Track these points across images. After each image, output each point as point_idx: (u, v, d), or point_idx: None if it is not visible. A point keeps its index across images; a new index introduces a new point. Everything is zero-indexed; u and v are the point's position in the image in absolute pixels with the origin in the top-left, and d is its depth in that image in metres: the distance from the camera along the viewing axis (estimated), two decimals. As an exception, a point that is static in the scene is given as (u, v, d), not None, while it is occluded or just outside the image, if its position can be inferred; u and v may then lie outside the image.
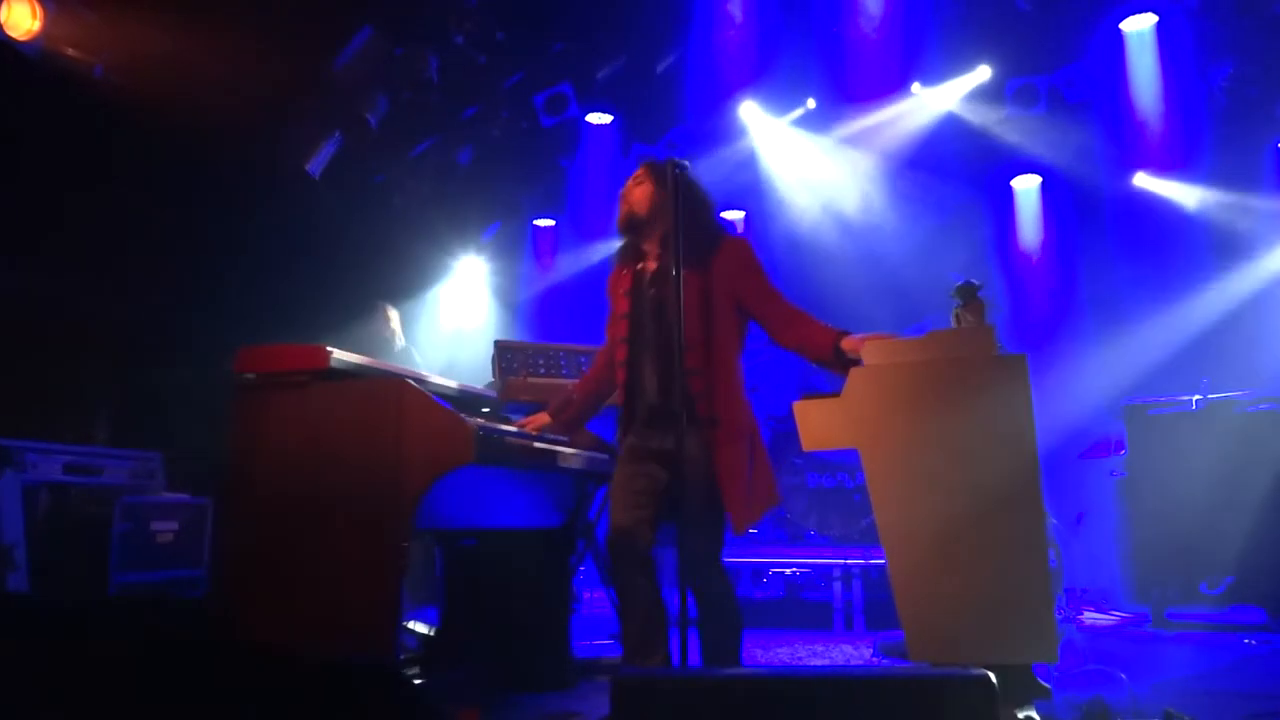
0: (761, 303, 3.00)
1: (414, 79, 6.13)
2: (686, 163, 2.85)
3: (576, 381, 3.83)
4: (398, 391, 2.73)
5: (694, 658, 2.72)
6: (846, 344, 2.85)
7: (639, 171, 3.14)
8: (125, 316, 5.38)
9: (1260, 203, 6.89)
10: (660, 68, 7.11)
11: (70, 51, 4.85)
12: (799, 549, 5.76)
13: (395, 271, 7.35)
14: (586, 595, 6.01)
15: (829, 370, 2.96)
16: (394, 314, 6.14)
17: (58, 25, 4.75)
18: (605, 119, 7.55)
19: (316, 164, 6.17)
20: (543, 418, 3.34)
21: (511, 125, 7.19)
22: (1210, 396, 5.06)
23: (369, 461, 2.71)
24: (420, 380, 2.91)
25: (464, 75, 6.49)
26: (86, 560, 4.49)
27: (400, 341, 6.13)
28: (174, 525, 4.89)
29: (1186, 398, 5.13)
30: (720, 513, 2.88)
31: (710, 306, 2.94)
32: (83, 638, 3.03)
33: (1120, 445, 5.40)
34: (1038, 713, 2.47)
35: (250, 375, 2.86)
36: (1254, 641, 4.41)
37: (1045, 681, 2.72)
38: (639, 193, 3.09)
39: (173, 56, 4.98)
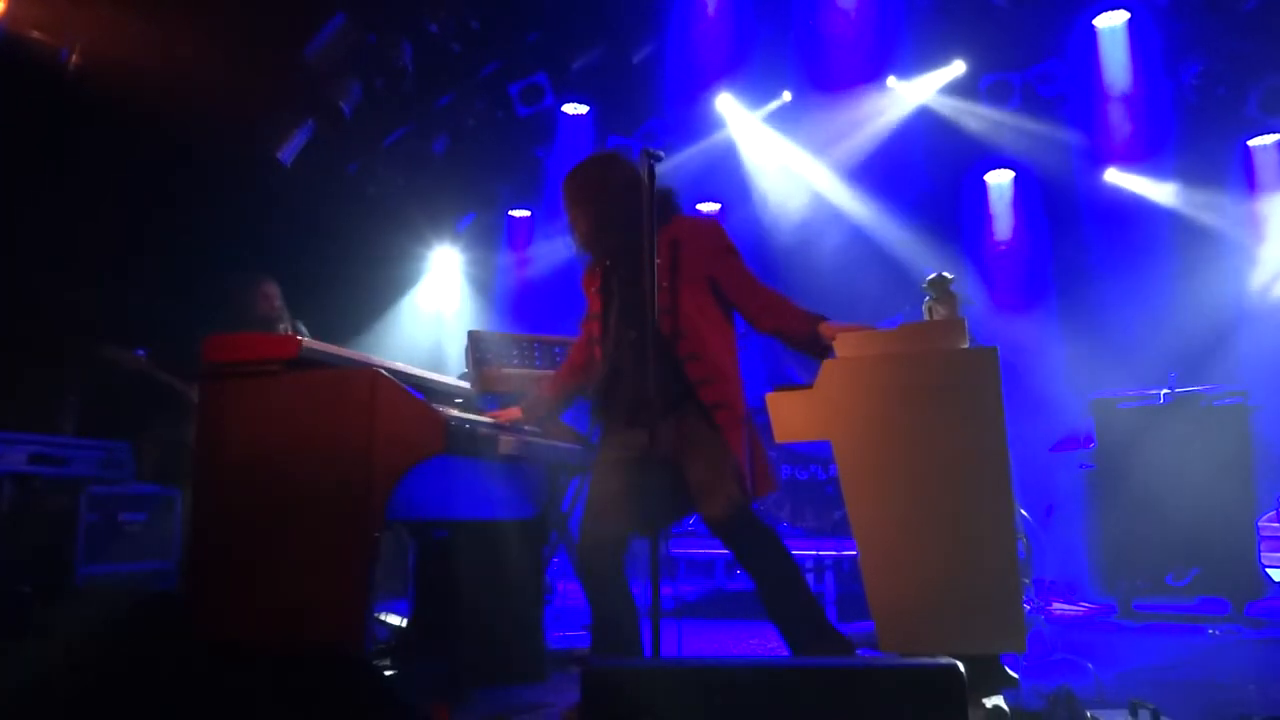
0: (737, 287, 3.00)
1: (388, 67, 6.07)
2: (661, 154, 2.84)
3: (550, 375, 3.82)
4: (370, 381, 2.71)
5: (666, 650, 2.72)
6: (824, 329, 2.87)
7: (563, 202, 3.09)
8: (93, 305, 5.30)
9: (1228, 199, 6.98)
10: (637, 58, 7.08)
11: (36, 34, 4.76)
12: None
13: (369, 261, 7.29)
14: (560, 587, 6.01)
15: (807, 355, 2.98)
16: (274, 290, 5.13)
17: (23, 6, 4.66)
18: (581, 110, 7.52)
19: (288, 152, 6.10)
20: (514, 412, 3.33)
21: (487, 115, 7.15)
22: (1178, 390, 5.12)
23: (340, 451, 2.69)
24: (392, 370, 2.89)
25: (438, 63, 6.45)
26: (52, 552, 4.43)
27: (284, 323, 5.14)
28: (142, 516, 4.83)
29: (1154, 392, 5.19)
30: (735, 468, 2.85)
31: (690, 293, 2.93)
32: (49, 629, 2.99)
33: (1090, 438, 5.46)
34: (1005, 702, 2.50)
35: (220, 364, 2.82)
36: (1218, 632, 4.48)
37: (1013, 671, 2.74)
38: (575, 227, 3.06)
39: (142, 41, 4.90)
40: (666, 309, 2.86)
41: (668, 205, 3.03)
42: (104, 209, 5.23)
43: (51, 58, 4.83)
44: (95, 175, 5.15)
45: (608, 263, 3.06)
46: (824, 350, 2.89)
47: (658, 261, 2.89)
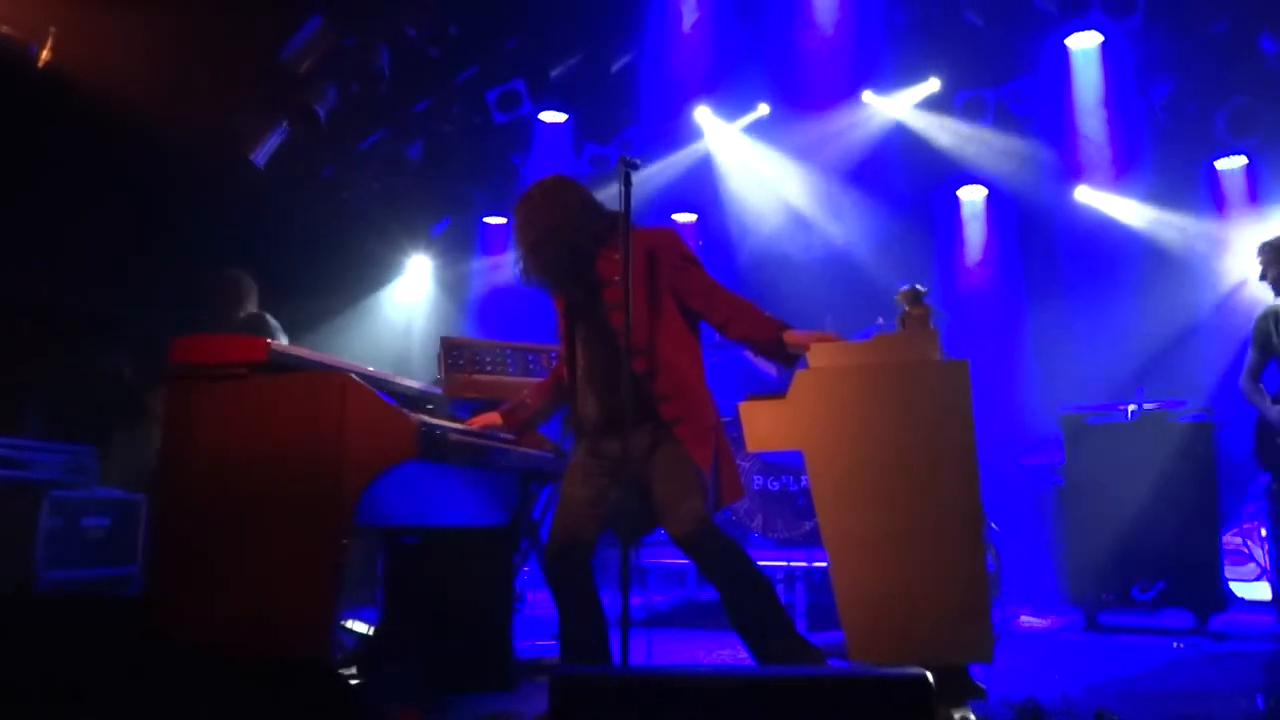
0: (701, 295, 2.98)
1: (364, 70, 6.05)
2: (638, 161, 2.85)
3: (530, 383, 3.81)
4: (340, 386, 2.68)
5: (635, 659, 2.71)
6: (789, 338, 2.87)
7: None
8: (59, 306, 5.23)
9: (1195, 220, 7.09)
10: (615, 67, 7.10)
11: (4, 29, 4.70)
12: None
13: (343, 266, 7.24)
14: (530, 595, 5.97)
15: (772, 362, 2.98)
16: (252, 289, 4.97)
17: (-8, 3, 4.61)
18: (559, 117, 7.52)
19: (262, 154, 6.05)
20: (493, 417, 3.30)
21: (463, 121, 7.14)
22: (1145, 406, 5.18)
23: (309, 456, 2.66)
24: (363, 374, 2.87)
25: (416, 68, 6.43)
26: (12, 556, 4.35)
27: (262, 325, 4.90)
28: (105, 522, 4.75)
29: (1122, 407, 5.25)
30: (697, 481, 2.84)
31: (652, 307, 2.92)
32: (6, 635, 2.93)
33: (1058, 451, 5.51)
34: (973, 713, 2.51)
35: (186, 366, 2.79)
36: (1183, 645, 4.52)
37: (981, 682, 2.76)
38: (520, 250, 3.03)
39: (115, 39, 4.85)
40: (622, 329, 2.84)
41: (620, 223, 3.02)
42: (74, 208, 5.16)
43: (20, 53, 4.77)
44: (65, 175, 5.08)
45: (559, 287, 3.04)
46: (790, 358, 2.90)
47: (615, 280, 2.90)
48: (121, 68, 4.88)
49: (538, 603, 5.84)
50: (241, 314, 4.92)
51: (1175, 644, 4.56)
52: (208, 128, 5.66)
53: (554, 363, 3.80)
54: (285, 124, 6.14)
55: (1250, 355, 4.90)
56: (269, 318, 4.94)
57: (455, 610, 3.68)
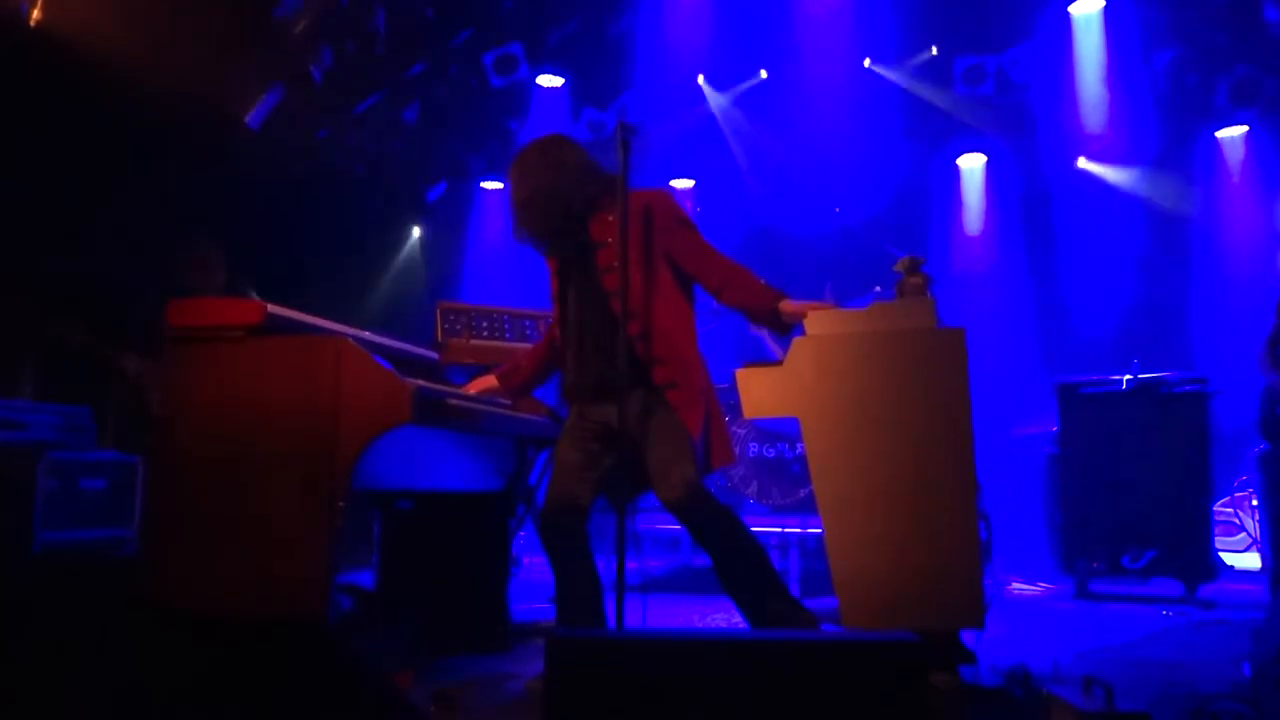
0: (694, 258, 2.95)
1: (360, 30, 5.98)
2: (635, 127, 2.82)
3: (526, 347, 3.81)
4: (336, 349, 2.67)
5: (629, 623, 2.74)
6: (785, 308, 2.86)
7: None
8: (54, 267, 5.19)
9: (1195, 189, 7.06)
10: (613, 31, 7.03)
11: (-5, -13, 4.63)
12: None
13: (337, 229, 7.20)
14: (526, 560, 6.01)
15: (769, 330, 2.97)
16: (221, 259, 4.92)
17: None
18: (556, 81, 7.45)
19: (256, 116, 5.99)
20: (489, 381, 3.30)
21: (460, 84, 7.08)
22: (1140, 377, 5.19)
23: (305, 419, 2.65)
24: (359, 338, 2.86)
25: (412, 29, 6.36)
26: (9, 518, 4.36)
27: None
28: (103, 483, 4.76)
29: (1117, 378, 5.26)
30: (688, 446, 2.84)
31: (646, 270, 2.90)
32: (4, 596, 2.95)
33: (1053, 421, 5.53)
34: (963, 677, 2.54)
35: (182, 329, 2.78)
36: (1171, 613, 4.57)
37: (971, 648, 2.78)
38: (514, 209, 3.02)
39: (107, -2, 4.79)
40: (616, 291, 2.82)
41: (611, 184, 2.98)
42: (64, 170, 5.12)
43: (11, 11, 4.70)
44: (57, 136, 5.03)
45: (549, 245, 3.03)
46: (787, 328, 2.89)
47: (608, 242, 2.88)
48: (114, 27, 4.82)
49: (534, 567, 5.89)
50: (221, 284, 4.88)
51: (1164, 612, 4.60)
52: (202, 89, 5.60)
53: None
54: (280, 86, 6.08)
55: (1275, 324, 4.59)
56: (252, 292, 4.82)
57: (452, 573, 3.71)
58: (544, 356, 3.30)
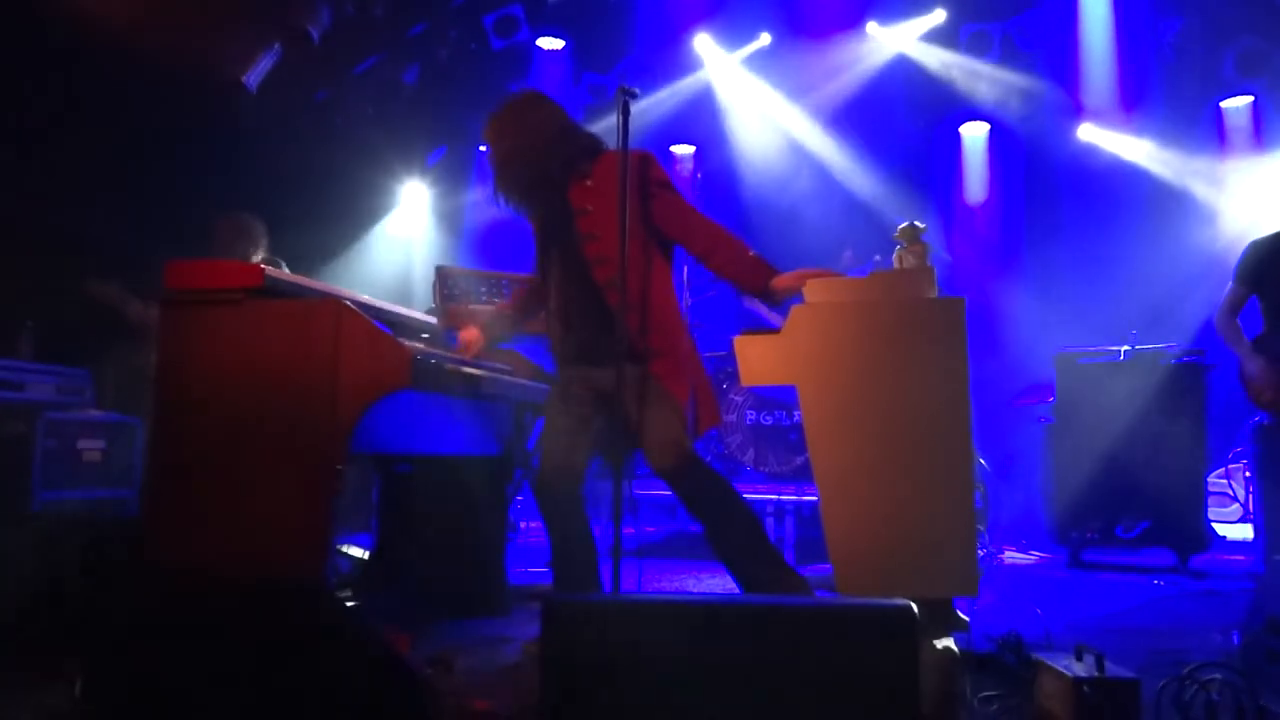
0: (674, 220, 2.88)
1: (358, -10, 5.91)
2: (636, 91, 2.79)
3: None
4: (334, 312, 2.67)
5: (625, 587, 2.76)
6: (778, 283, 2.81)
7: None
8: (52, 227, 5.17)
9: (1198, 159, 7.02)
10: (615, -7, 6.96)
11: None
12: (734, 484, 5.82)
13: (336, 193, 7.16)
14: (523, 524, 6.05)
15: (763, 302, 2.95)
16: (259, 229, 4.78)
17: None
18: (557, 44, 7.38)
19: (254, 77, 5.93)
20: (475, 332, 3.22)
21: (460, 46, 7.00)
22: (1138, 348, 5.19)
23: (303, 383, 2.65)
24: (358, 302, 2.85)
25: (412, -12, 6.29)
26: (8, 477, 4.38)
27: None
28: (101, 444, 4.78)
29: (1115, 348, 5.26)
30: (676, 413, 2.83)
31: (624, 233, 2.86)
32: (3, 555, 2.96)
33: (1051, 392, 5.53)
34: (956, 644, 2.56)
35: (180, 290, 2.77)
36: (1163, 583, 4.61)
37: (964, 615, 2.81)
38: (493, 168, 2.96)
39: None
40: (596, 260, 2.78)
41: (592, 148, 2.92)
42: (64, 131, 5.08)
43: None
44: (54, 97, 4.99)
45: (527, 210, 2.97)
46: (779, 301, 2.87)
47: (588, 209, 2.84)
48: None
49: (531, 531, 5.92)
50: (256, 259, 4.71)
51: (1156, 582, 4.64)
52: (199, 49, 5.54)
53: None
54: (278, 46, 6.01)
55: (1231, 289, 4.52)
56: (283, 265, 4.74)
57: (450, 537, 3.73)
58: (528, 300, 3.22)
